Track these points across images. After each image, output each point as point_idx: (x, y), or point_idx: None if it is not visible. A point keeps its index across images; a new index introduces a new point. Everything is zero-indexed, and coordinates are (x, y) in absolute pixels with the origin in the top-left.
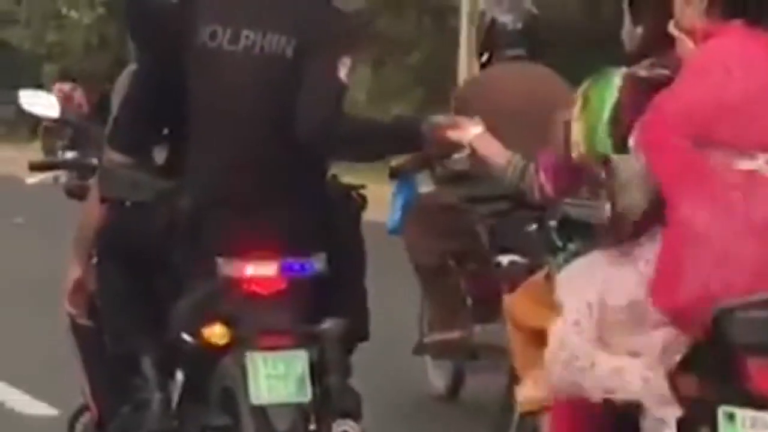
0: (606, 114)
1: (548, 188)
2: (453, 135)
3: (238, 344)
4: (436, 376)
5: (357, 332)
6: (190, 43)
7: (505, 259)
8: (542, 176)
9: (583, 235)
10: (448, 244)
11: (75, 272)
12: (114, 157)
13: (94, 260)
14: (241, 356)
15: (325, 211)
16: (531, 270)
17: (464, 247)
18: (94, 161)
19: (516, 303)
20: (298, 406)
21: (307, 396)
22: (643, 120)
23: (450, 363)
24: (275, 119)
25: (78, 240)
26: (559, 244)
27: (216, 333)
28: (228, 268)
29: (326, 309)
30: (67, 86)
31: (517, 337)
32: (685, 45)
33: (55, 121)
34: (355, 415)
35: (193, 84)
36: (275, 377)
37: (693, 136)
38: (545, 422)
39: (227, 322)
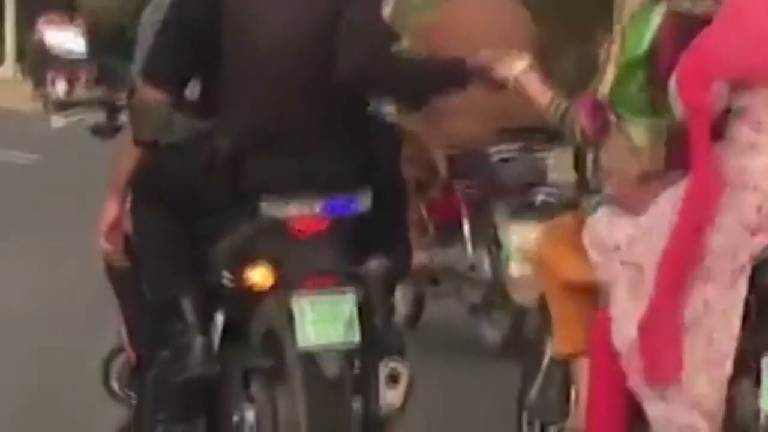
0: (642, 52)
1: (588, 129)
2: (500, 70)
3: (282, 286)
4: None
5: (399, 269)
6: None
7: (538, 197)
8: (582, 117)
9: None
10: (408, 170)
11: (112, 210)
12: (147, 92)
13: (129, 202)
14: (285, 298)
15: (367, 146)
16: (567, 206)
17: (424, 174)
18: (122, 99)
19: (548, 248)
20: (345, 348)
21: (355, 338)
22: (681, 60)
23: (411, 289)
24: (316, 55)
25: (113, 179)
26: (592, 186)
27: (260, 274)
28: (270, 208)
29: (370, 246)
30: (58, 16)
31: (552, 286)
32: None
33: (84, 59)
34: (401, 352)
35: (230, 16)
36: (322, 320)
37: (731, 77)
38: (578, 368)
39: (270, 263)
